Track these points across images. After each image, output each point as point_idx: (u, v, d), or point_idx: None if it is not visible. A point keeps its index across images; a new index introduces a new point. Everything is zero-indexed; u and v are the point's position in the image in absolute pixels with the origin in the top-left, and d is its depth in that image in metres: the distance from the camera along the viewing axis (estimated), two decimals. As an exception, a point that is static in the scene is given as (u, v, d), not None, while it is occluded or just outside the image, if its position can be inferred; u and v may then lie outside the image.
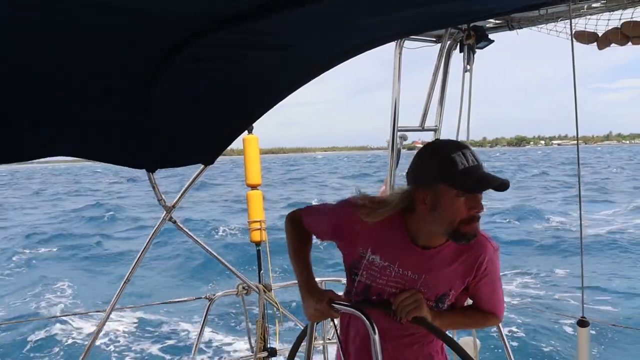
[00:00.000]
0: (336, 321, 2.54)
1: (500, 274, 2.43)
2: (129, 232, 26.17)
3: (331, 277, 4.42)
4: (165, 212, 3.82)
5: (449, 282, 2.30)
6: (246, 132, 4.50)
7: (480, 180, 2.01)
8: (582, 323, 3.42)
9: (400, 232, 2.26)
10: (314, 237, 2.56)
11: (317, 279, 4.32)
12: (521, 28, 3.38)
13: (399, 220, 2.26)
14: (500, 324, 3.56)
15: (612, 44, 3.11)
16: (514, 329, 10.59)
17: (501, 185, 2.00)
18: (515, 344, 9.79)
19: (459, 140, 3.78)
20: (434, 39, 3.74)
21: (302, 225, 2.52)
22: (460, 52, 3.65)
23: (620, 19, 3.03)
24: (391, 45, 3.68)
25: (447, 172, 2.02)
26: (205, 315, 4.20)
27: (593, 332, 9.72)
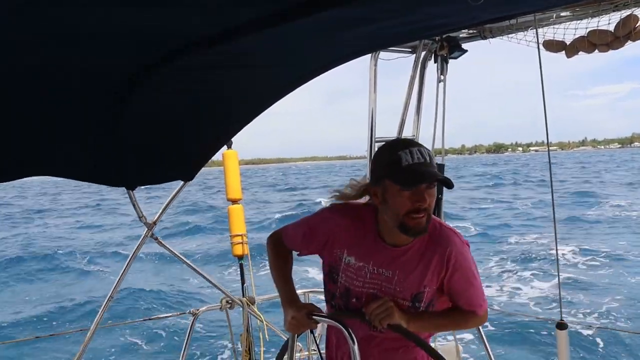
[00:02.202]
0: (317, 332, 2.60)
1: (477, 271, 2.45)
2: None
3: (314, 289, 4.44)
4: (146, 229, 3.82)
5: (422, 279, 2.35)
6: (225, 146, 4.52)
7: (416, 176, 2.13)
8: (561, 326, 3.49)
9: (372, 231, 2.38)
10: (295, 254, 2.65)
11: (300, 291, 4.36)
12: (493, 37, 3.46)
13: (371, 219, 2.38)
14: (480, 327, 3.61)
15: (580, 52, 3.19)
16: (493, 332, 10.64)
17: (442, 182, 2.15)
18: (495, 347, 9.84)
19: (434, 147, 3.88)
20: (409, 50, 3.80)
21: (282, 244, 2.61)
22: (435, 62, 3.72)
23: (587, 28, 3.12)
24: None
25: (391, 169, 2.16)
26: (190, 330, 4.18)
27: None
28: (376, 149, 3.95)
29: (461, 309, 2.47)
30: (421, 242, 2.34)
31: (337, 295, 2.48)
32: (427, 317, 2.42)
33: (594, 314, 12.12)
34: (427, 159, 2.17)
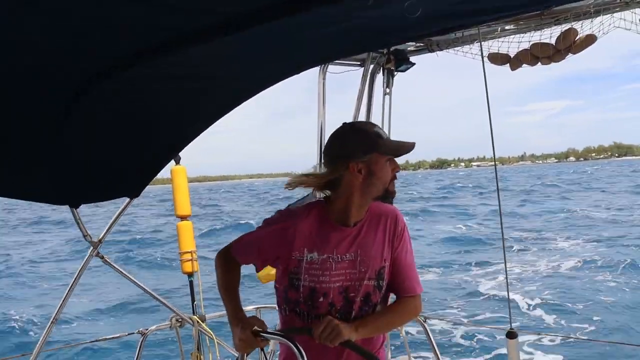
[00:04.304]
0: (269, 348, 2.57)
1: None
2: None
3: (265, 304, 4.39)
4: (91, 248, 3.71)
5: (381, 252, 2.47)
6: (173, 162, 4.46)
7: (402, 146, 2.43)
8: (511, 334, 3.54)
9: (326, 220, 2.44)
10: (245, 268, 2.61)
11: (251, 307, 4.30)
12: (441, 50, 3.53)
13: (322, 210, 2.46)
14: (426, 326, 3.65)
15: (524, 65, 3.29)
16: (444, 343, 10.73)
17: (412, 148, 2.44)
18: (447, 358, 9.94)
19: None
20: (358, 63, 3.84)
21: (232, 260, 2.57)
22: (383, 75, 3.77)
23: (529, 41, 3.22)
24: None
25: (378, 143, 2.36)
26: (139, 351, 4.07)
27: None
28: None
29: (400, 299, 2.53)
30: (371, 215, 2.48)
31: (301, 300, 2.45)
32: (372, 319, 2.45)
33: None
34: None
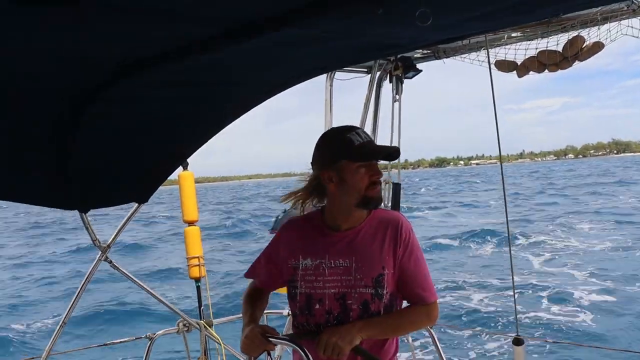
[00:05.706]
0: (276, 354, 2.59)
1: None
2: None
3: (271, 310, 4.39)
4: (100, 253, 3.72)
5: (380, 259, 2.40)
6: (181, 168, 4.47)
7: (373, 151, 2.40)
8: (518, 341, 3.55)
9: (320, 226, 2.49)
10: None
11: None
12: (447, 57, 3.55)
13: (317, 217, 2.51)
14: (433, 332, 3.62)
15: (531, 72, 3.30)
16: (449, 349, 10.68)
17: (392, 154, 2.46)
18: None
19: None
20: (365, 70, 3.85)
21: (254, 286, 2.68)
22: (390, 82, 3.78)
23: (536, 48, 3.23)
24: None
25: (346, 150, 2.33)
26: (146, 355, 4.08)
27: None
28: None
29: (414, 305, 2.48)
30: (372, 222, 2.45)
31: (298, 312, 2.47)
32: (378, 320, 2.40)
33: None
34: (371, 137, 2.44)
